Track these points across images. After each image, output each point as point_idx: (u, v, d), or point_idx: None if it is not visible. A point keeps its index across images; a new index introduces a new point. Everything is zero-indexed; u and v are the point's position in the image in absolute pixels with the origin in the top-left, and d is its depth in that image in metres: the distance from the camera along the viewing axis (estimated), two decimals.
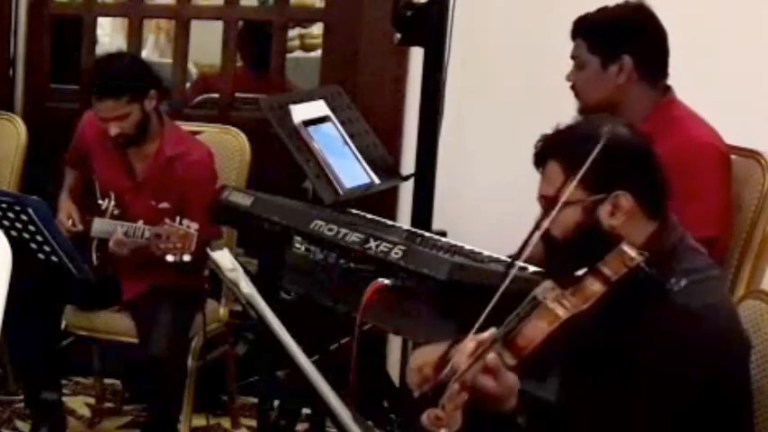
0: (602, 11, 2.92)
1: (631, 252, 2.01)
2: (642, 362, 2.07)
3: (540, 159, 2.28)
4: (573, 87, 2.95)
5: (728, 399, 2.15)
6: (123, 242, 3.44)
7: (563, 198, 2.18)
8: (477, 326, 2.12)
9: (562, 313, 2.00)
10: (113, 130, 3.49)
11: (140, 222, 3.43)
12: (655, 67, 2.89)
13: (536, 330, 2.00)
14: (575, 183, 2.16)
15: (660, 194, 2.24)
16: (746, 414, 2.23)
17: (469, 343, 2.09)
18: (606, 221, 2.19)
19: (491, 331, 2.08)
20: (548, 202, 2.23)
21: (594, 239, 2.16)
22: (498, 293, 2.14)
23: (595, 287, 2.01)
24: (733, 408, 2.18)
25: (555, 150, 2.25)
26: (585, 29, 2.91)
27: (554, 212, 2.18)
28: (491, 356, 2.01)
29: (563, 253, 2.22)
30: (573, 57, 2.94)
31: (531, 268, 2.78)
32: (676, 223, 2.27)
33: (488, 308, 2.13)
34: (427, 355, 2.44)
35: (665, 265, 2.14)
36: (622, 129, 2.25)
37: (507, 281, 2.15)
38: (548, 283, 2.05)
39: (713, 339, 2.11)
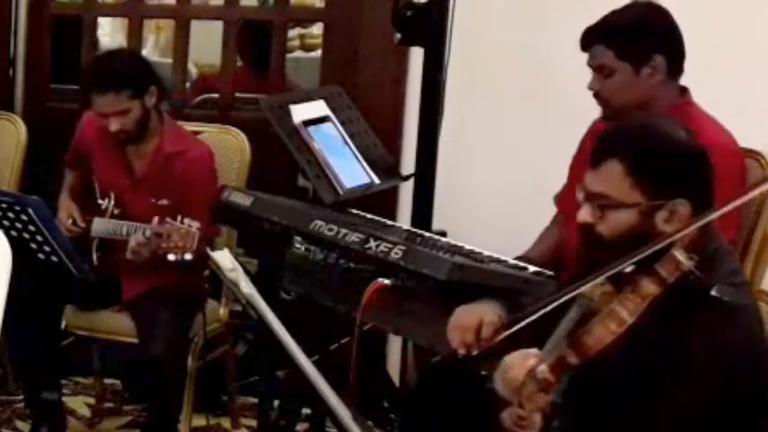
0: (619, 15, 2.87)
1: (683, 257, 2.02)
2: (690, 362, 2.07)
3: (601, 155, 2.23)
4: (597, 95, 2.90)
5: (759, 399, 2.15)
6: (140, 248, 3.41)
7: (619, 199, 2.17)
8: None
9: (628, 317, 2.02)
10: (114, 125, 3.48)
11: (151, 222, 3.41)
12: (680, 63, 2.88)
13: (605, 331, 2.02)
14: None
15: (710, 201, 2.23)
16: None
17: (520, 354, 2.12)
18: (661, 227, 2.17)
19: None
20: (598, 199, 2.21)
21: (645, 242, 2.13)
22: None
23: (652, 289, 2.02)
24: (760, 409, 2.18)
25: (619, 150, 2.21)
26: (608, 36, 2.85)
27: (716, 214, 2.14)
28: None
29: (608, 252, 2.18)
30: (597, 66, 2.87)
31: (532, 268, 2.79)
32: (716, 229, 2.27)
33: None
34: (467, 317, 2.44)
35: (708, 268, 2.12)
36: (683, 133, 2.23)
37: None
38: (598, 281, 2.07)
39: (754, 339, 2.13)
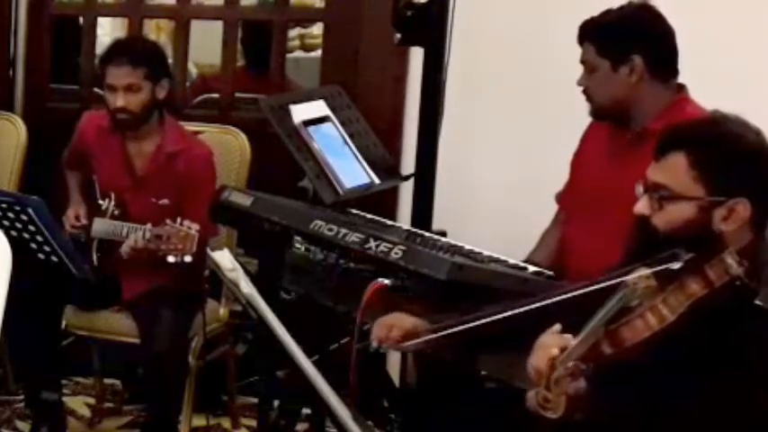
0: (608, 13, 2.91)
1: (734, 262, 2.01)
2: (738, 369, 2.06)
3: (666, 146, 2.22)
4: (585, 91, 2.94)
5: None
6: (136, 250, 3.42)
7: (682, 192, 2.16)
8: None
9: (669, 315, 2.01)
10: (120, 100, 3.48)
11: (148, 225, 3.41)
12: (665, 65, 2.89)
13: (644, 326, 2.02)
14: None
15: None
16: None
17: (551, 337, 2.10)
18: (717, 225, 2.16)
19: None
20: (658, 190, 2.20)
21: (699, 239, 2.13)
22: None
23: (696, 289, 2.02)
24: None
25: (685, 142, 2.20)
26: (592, 33, 2.90)
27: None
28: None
29: (660, 242, 2.17)
30: (582, 61, 2.93)
31: (532, 268, 2.79)
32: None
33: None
34: (402, 320, 2.48)
35: (759, 276, 2.11)
36: (755, 136, 2.22)
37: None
38: (644, 273, 2.05)
39: None
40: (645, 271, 2.07)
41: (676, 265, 2.06)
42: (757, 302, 2.07)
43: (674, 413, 2.10)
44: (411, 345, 2.39)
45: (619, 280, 2.07)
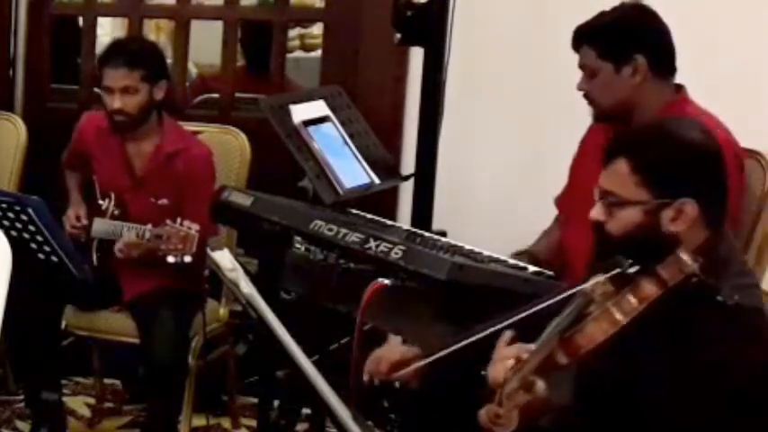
0: (603, 16, 2.90)
1: (687, 259, 2.01)
2: (696, 365, 2.06)
3: (610, 154, 2.25)
4: (586, 96, 2.92)
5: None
6: (129, 248, 3.42)
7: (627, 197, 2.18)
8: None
9: (622, 317, 2.00)
10: (117, 102, 3.48)
11: (148, 225, 3.41)
12: (665, 63, 2.89)
13: (597, 331, 2.00)
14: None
15: (722, 204, 2.23)
16: None
17: (507, 349, 2.09)
18: (667, 226, 2.18)
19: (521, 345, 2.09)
20: (607, 196, 2.22)
21: (651, 242, 2.14)
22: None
23: (650, 290, 2.01)
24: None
25: (626, 148, 2.23)
26: (591, 36, 2.88)
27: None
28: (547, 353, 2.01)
29: (615, 248, 2.19)
30: (582, 66, 2.91)
31: (532, 268, 2.79)
32: (728, 232, 2.26)
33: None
34: (390, 351, 2.49)
35: (718, 271, 2.12)
36: (698, 134, 2.24)
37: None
38: (600, 280, 2.05)
39: (763, 343, 2.11)
40: (601, 277, 2.07)
41: (631, 269, 2.07)
42: (719, 299, 2.07)
43: (640, 412, 2.10)
44: (401, 374, 2.40)
45: (577, 288, 2.08)
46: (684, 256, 2.02)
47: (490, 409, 2.01)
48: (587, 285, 2.07)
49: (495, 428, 2.01)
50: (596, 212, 2.25)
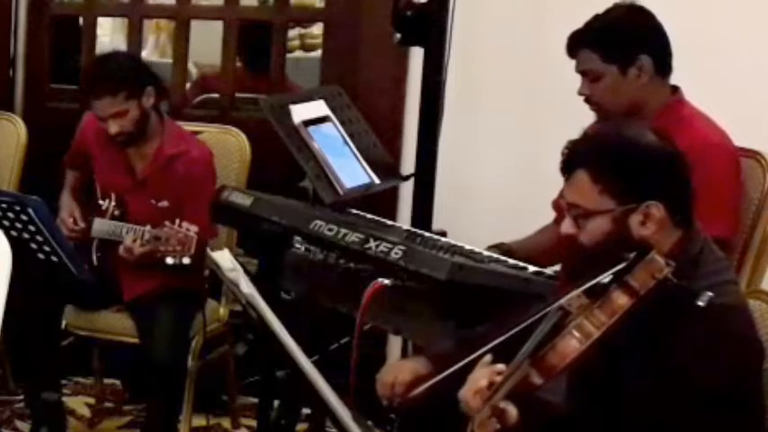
0: (601, 19, 2.89)
1: (660, 262, 2.00)
2: (672, 368, 2.07)
3: (568, 167, 2.25)
4: (588, 100, 2.91)
5: (745, 402, 2.14)
6: (131, 250, 3.42)
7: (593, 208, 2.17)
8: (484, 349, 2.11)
9: (594, 331, 1.99)
10: (113, 128, 3.49)
11: (147, 226, 3.41)
12: (666, 62, 2.89)
13: (568, 349, 1.99)
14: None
15: (688, 202, 2.23)
16: (759, 419, 2.22)
17: (480, 372, 2.09)
18: (636, 231, 2.17)
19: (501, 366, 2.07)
20: (574, 210, 2.22)
21: (623, 248, 2.13)
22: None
23: (623, 301, 2.01)
24: (748, 412, 2.16)
25: (583, 159, 2.22)
26: (592, 40, 2.87)
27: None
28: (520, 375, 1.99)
29: (590, 261, 2.19)
30: (583, 71, 2.89)
31: (532, 268, 2.79)
32: (700, 229, 2.26)
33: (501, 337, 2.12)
34: (401, 373, 2.46)
35: (691, 271, 2.13)
36: (651, 136, 2.23)
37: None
38: (575, 293, 2.04)
39: (737, 342, 2.11)
40: (576, 291, 2.06)
41: (605, 279, 2.06)
42: (694, 301, 2.07)
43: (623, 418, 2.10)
44: (419, 392, 2.34)
45: (556, 305, 2.07)
46: (657, 259, 2.02)
47: None
48: (563, 301, 2.06)
49: None
50: (566, 227, 2.24)
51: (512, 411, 2.02)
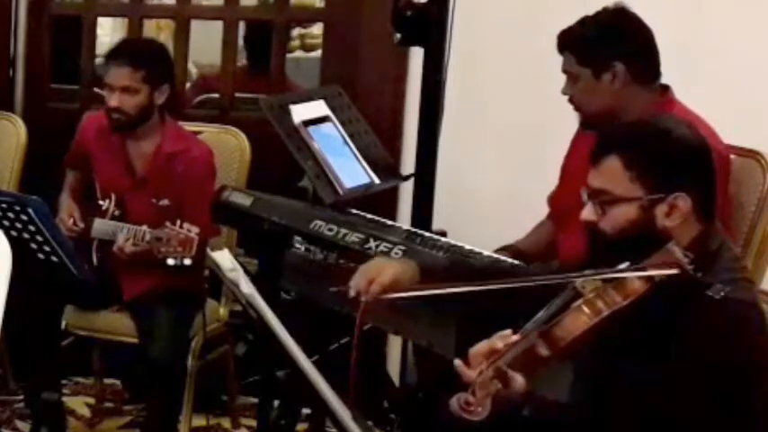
0: (584, 21, 2.91)
1: (678, 254, 2.01)
2: (684, 358, 2.07)
3: (600, 152, 2.25)
4: (571, 100, 2.94)
5: (753, 398, 2.14)
6: (122, 249, 3.42)
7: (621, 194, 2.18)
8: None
9: (603, 308, 2.01)
10: (114, 101, 3.48)
11: (144, 226, 3.41)
12: (647, 68, 2.89)
13: (576, 323, 2.01)
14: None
15: (713, 199, 2.24)
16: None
17: (481, 343, 2.09)
18: (661, 221, 2.18)
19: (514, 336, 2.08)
20: (599, 195, 2.22)
21: (644, 237, 2.15)
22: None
23: (637, 285, 2.02)
24: (755, 409, 2.16)
25: (618, 145, 2.23)
26: (571, 42, 2.90)
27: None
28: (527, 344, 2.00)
29: (609, 247, 2.20)
30: (564, 71, 2.93)
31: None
32: (720, 227, 2.27)
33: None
34: (384, 272, 2.47)
35: (708, 265, 2.13)
36: (686, 129, 2.25)
37: None
38: (591, 278, 2.06)
39: (754, 333, 2.11)
40: (592, 277, 2.08)
41: (622, 266, 2.08)
42: (708, 293, 2.08)
43: (627, 405, 2.10)
44: (388, 298, 2.37)
45: (571, 286, 2.08)
46: (676, 251, 2.02)
47: (461, 397, 2.01)
48: (578, 282, 2.08)
49: (465, 416, 2.00)
50: (587, 213, 2.25)
51: (518, 379, 2.02)
